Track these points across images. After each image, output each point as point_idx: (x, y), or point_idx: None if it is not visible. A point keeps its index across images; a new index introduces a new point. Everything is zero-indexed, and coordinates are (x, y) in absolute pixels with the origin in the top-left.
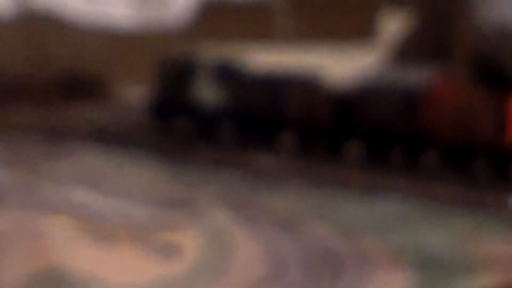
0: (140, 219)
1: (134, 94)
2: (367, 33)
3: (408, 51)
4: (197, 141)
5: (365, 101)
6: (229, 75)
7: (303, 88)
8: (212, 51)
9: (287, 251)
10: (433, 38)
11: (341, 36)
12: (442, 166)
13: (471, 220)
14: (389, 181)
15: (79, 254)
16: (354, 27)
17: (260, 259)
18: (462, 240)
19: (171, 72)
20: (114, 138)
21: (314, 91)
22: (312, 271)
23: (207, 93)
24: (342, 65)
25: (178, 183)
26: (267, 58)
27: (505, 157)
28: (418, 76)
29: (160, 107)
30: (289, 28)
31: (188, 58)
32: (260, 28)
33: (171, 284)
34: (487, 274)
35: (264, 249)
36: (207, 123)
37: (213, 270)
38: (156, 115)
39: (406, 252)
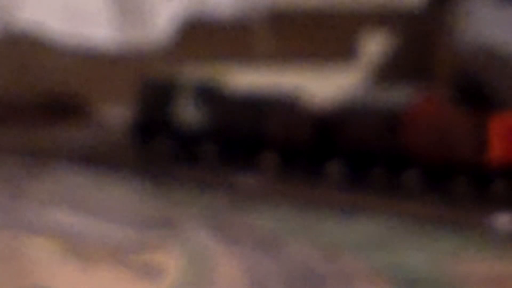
0: (121, 240)
1: (116, 115)
2: (348, 54)
3: (389, 71)
4: (178, 161)
5: (346, 121)
6: (210, 96)
7: (284, 108)
8: (193, 72)
9: (268, 270)
10: (414, 58)
11: (322, 56)
12: (423, 186)
13: (452, 239)
14: (370, 200)
15: (60, 275)
16: (336, 47)
17: (241, 279)
18: (442, 259)
19: (153, 93)
20: (96, 158)
21: (295, 111)
22: None
23: (188, 113)
24: (323, 85)
25: (159, 203)
26: (248, 79)
27: (485, 177)
28: (399, 96)
29: (141, 127)
30: (270, 48)
31: (169, 78)
32: (241, 49)
33: None
34: None
35: (245, 269)
36: (188, 143)
37: None
38: (138, 135)
39: (387, 271)
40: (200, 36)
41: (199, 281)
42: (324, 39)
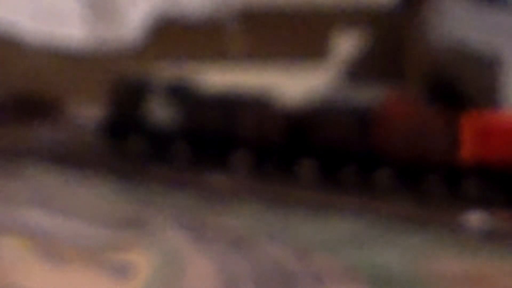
0: (92, 239)
1: (88, 114)
2: (320, 53)
3: (361, 70)
4: (150, 160)
5: (318, 120)
6: (182, 95)
7: (256, 107)
8: (166, 71)
9: (240, 269)
10: (386, 57)
11: (294, 55)
12: (395, 184)
13: (424, 237)
14: (343, 199)
15: (34, 274)
16: (308, 46)
17: (213, 278)
18: (415, 257)
19: (125, 92)
20: (68, 158)
21: (267, 110)
22: None
23: (160, 112)
24: (295, 85)
25: (131, 202)
26: (221, 78)
27: (457, 175)
28: (371, 95)
29: (114, 127)
30: (243, 48)
31: (141, 78)
32: (213, 48)
33: None
34: None
35: (217, 268)
36: (161, 142)
37: None
38: (110, 134)
39: (359, 270)
40: (172, 35)
41: (171, 280)
42: (296, 38)
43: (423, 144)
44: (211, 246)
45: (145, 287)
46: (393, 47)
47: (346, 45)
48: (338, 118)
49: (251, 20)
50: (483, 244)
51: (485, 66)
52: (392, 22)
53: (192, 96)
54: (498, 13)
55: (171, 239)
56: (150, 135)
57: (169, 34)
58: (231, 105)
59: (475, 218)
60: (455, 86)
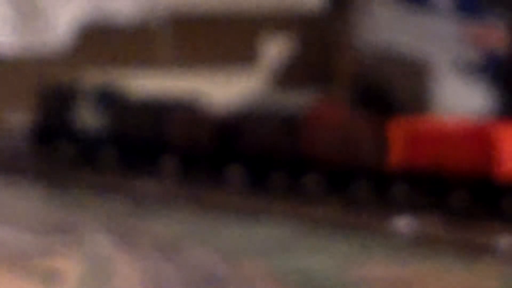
0: (20, 245)
1: (16, 119)
2: (249, 58)
3: (290, 75)
4: (79, 166)
5: (246, 125)
6: (111, 100)
7: (185, 113)
8: (94, 76)
9: (169, 275)
10: (315, 62)
11: (223, 61)
12: (323, 190)
13: (353, 243)
14: (272, 205)
15: None
16: (236, 52)
17: (142, 284)
18: (344, 263)
19: (53, 98)
20: None
21: (196, 116)
22: None
23: (89, 118)
24: (224, 90)
25: (59, 208)
26: (149, 83)
27: (386, 180)
28: (300, 100)
29: (42, 132)
30: (171, 53)
31: (70, 83)
32: (142, 53)
33: None
34: None
35: (145, 274)
36: (89, 148)
37: None
38: (38, 140)
39: (288, 276)
40: (100, 40)
41: (98, 286)
42: (225, 44)
43: (352, 150)
44: (139, 252)
45: None
46: (321, 52)
47: (274, 50)
48: (266, 123)
49: (180, 25)
50: (411, 249)
51: (413, 71)
52: (320, 27)
53: (121, 101)
54: (427, 17)
55: (99, 244)
56: (79, 140)
57: (98, 39)
58: (160, 110)
59: (403, 223)
60: (383, 92)
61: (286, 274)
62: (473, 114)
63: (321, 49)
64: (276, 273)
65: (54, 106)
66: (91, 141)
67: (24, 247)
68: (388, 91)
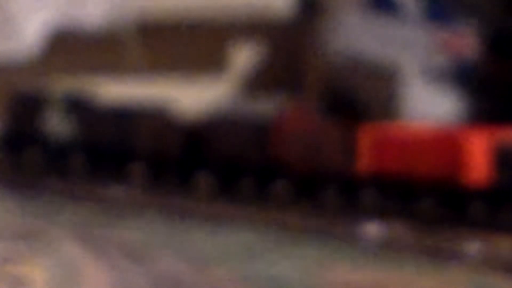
0: None
1: None
2: (218, 65)
3: (260, 82)
4: (47, 173)
5: (215, 132)
6: (79, 108)
7: (153, 120)
8: (63, 84)
9: (137, 282)
10: (284, 69)
11: (192, 68)
12: (292, 196)
13: (322, 249)
14: (240, 211)
15: None
16: (206, 59)
17: None
18: (312, 269)
19: (21, 105)
20: None
21: (164, 123)
22: None
23: (57, 125)
24: (193, 97)
25: (27, 215)
26: (118, 90)
27: (354, 186)
28: (269, 107)
29: (9, 140)
30: (140, 60)
31: (38, 90)
32: (111, 60)
33: None
34: None
35: (113, 281)
36: (57, 155)
37: None
38: (6, 148)
39: (257, 282)
40: (69, 47)
41: None
42: (194, 51)
43: (320, 156)
44: (107, 259)
45: None
46: (291, 59)
47: (244, 57)
48: (235, 130)
49: (149, 33)
50: (379, 255)
51: (382, 78)
52: (289, 34)
53: (89, 109)
54: (396, 24)
55: (67, 251)
56: (47, 147)
57: (67, 46)
58: (129, 118)
59: (372, 229)
60: (352, 98)
61: (255, 280)
62: (442, 121)
63: (290, 56)
64: (244, 279)
65: (22, 114)
66: (59, 148)
67: None
68: (357, 98)
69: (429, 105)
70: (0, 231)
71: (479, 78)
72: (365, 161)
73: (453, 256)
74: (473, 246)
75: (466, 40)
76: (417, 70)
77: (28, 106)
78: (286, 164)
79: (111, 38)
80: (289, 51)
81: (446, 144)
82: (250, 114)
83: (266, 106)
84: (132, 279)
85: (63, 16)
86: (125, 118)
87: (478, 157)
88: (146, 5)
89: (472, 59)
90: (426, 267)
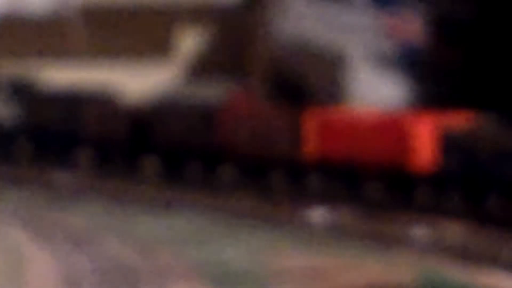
0: None
1: None
2: (164, 50)
3: (205, 67)
4: None
5: (161, 117)
6: (23, 92)
7: (99, 104)
8: (8, 68)
9: (82, 267)
10: (231, 54)
11: (137, 52)
12: (238, 181)
13: (268, 234)
14: (187, 196)
15: None
16: (151, 43)
17: (55, 275)
18: (259, 254)
19: None
20: None
21: (110, 107)
22: (107, 287)
23: (3, 110)
24: (138, 82)
25: None
26: (63, 75)
27: (301, 171)
28: (215, 91)
29: None
30: (85, 44)
31: None
32: (55, 45)
33: None
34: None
35: (58, 266)
36: (3, 139)
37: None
38: None
39: (203, 267)
40: (13, 32)
41: (11, 278)
42: (140, 35)
43: (267, 141)
44: (53, 244)
45: None
46: (237, 44)
47: (190, 41)
48: (181, 114)
49: (94, 17)
50: (326, 239)
51: (328, 62)
52: (236, 19)
53: (34, 93)
54: (342, 9)
55: (12, 236)
56: None
57: (10, 31)
58: (74, 102)
59: (318, 214)
60: (298, 83)
61: (201, 265)
62: (388, 105)
63: (236, 41)
64: (191, 264)
65: None
66: (5, 133)
67: None
68: (303, 83)
69: (375, 90)
70: None
71: (425, 63)
72: (311, 146)
73: (399, 241)
74: (420, 231)
75: (412, 26)
76: (363, 55)
77: None
78: (233, 149)
79: (56, 23)
80: (235, 36)
81: (393, 129)
82: (196, 99)
83: (212, 91)
84: (78, 263)
85: (8, 1)
86: (71, 103)
87: (424, 142)
88: None
89: (418, 44)
90: (373, 251)
